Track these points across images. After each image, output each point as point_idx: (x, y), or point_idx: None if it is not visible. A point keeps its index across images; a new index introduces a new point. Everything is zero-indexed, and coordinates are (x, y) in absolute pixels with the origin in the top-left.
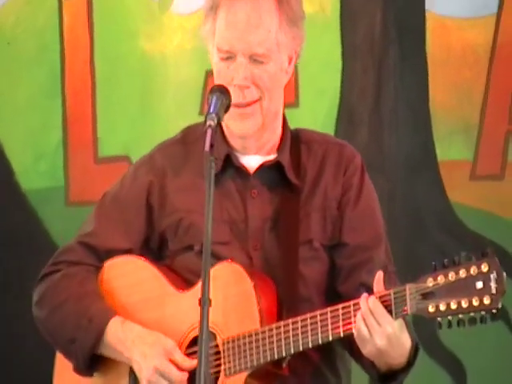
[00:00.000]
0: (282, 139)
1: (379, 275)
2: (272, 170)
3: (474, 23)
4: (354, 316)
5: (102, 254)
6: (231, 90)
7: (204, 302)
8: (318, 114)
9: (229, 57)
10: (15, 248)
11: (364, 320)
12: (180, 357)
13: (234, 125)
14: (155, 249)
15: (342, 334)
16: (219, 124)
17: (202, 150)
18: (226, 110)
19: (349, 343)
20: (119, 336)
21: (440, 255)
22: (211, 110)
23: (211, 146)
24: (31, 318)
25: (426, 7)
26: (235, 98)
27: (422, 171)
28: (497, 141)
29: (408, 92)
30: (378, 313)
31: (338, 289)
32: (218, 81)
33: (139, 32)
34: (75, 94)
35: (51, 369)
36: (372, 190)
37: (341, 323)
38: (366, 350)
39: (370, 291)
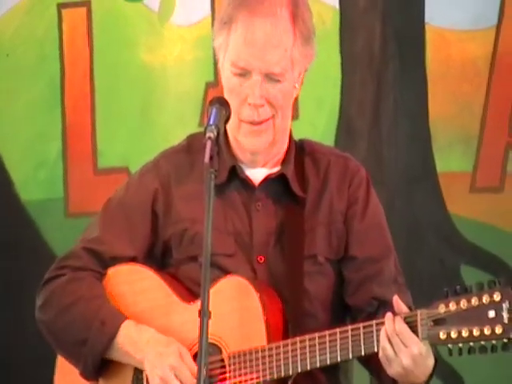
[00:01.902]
0: (287, 151)
1: (396, 299)
2: (277, 183)
3: (473, 35)
4: (377, 335)
5: (107, 261)
6: (244, 106)
7: (203, 314)
8: (317, 126)
9: (243, 73)
10: (15, 259)
11: (389, 340)
12: (191, 363)
13: (245, 141)
14: (159, 256)
15: (363, 353)
16: (225, 134)
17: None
18: (226, 121)
19: (366, 360)
20: (133, 337)
21: (439, 267)
22: (211, 122)
23: (211, 157)
24: (31, 327)
25: (426, 19)
26: (249, 115)
27: (422, 183)
28: (496, 153)
29: (407, 104)
30: (403, 333)
31: (347, 301)
32: (230, 96)
33: (139, 43)
34: (75, 105)
35: (51, 378)
36: (378, 202)
37: (362, 342)
38: (392, 370)
39: (383, 305)
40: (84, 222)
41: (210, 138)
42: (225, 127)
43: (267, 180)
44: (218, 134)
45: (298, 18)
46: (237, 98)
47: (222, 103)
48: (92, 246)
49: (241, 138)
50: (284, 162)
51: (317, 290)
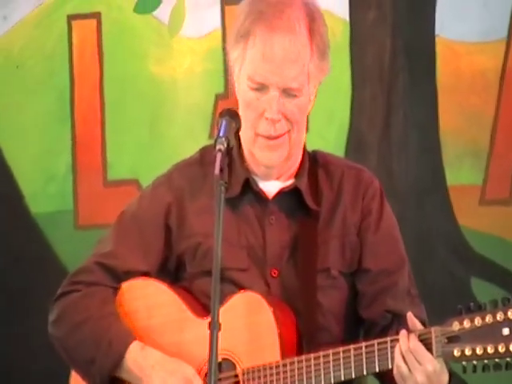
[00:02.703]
0: (301, 164)
1: (410, 315)
2: (290, 196)
3: (483, 48)
4: (391, 352)
5: (120, 276)
6: (261, 121)
7: (213, 327)
8: (327, 139)
9: (260, 88)
10: (24, 271)
11: (404, 358)
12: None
13: (261, 155)
14: (172, 270)
15: (377, 369)
16: (239, 147)
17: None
18: (236, 133)
19: (381, 376)
20: (139, 362)
21: (448, 279)
22: (221, 134)
23: (221, 170)
24: (41, 339)
25: (436, 32)
26: (266, 130)
27: (432, 196)
28: (506, 166)
29: (417, 117)
30: (417, 351)
31: (361, 314)
32: (246, 109)
33: (149, 55)
34: (84, 117)
35: None
36: (391, 214)
37: (376, 358)
38: None
39: (397, 318)
40: (93, 235)
41: (220, 150)
42: (238, 139)
43: (281, 193)
44: (229, 146)
45: (315, 33)
46: (254, 112)
47: (232, 115)
48: (105, 261)
49: (256, 151)
50: (298, 175)
51: (330, 304)
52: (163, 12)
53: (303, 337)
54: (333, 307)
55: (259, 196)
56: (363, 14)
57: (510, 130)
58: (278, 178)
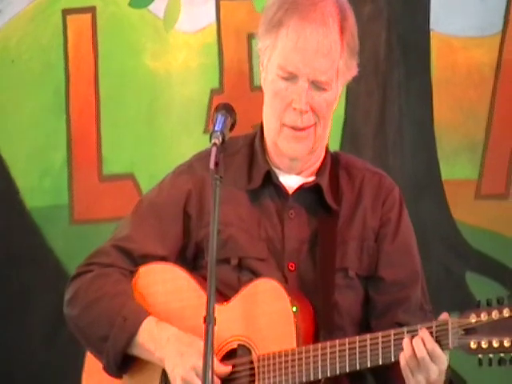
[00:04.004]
0: (322, 162)
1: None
2: (311, 193)
3: (478, 42)
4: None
5: (137, 259)
6: (288, 111)
7: (209, 321)
8: None
9: (290, 78)
10: (20, 266)
11: (417, 356)
12: (215, 362)
13: (286, 146)
14: (190, 258)
15: (393, 359)
16: (261, 139)
17: (241, 162)
18: (231, 128)
19: (380, 374)
20: (153, 334)
21: (444, 274)
22: (216, 128)
23: (216, 164)
24: (37, 333)
25: (431, 27)
26: (293, 120)
27: (427, 190)
28: (502, 160)
29: (413, 111)
30: (434, 353)
31: (371, 323)
32: (274, 99)
33: (144, 50)
34: (80, 111)
35: None
36: (409, 225)
37: (392, 349)
38: (414, 381)
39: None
40: (89, 229)
41: (215, 144)
42: (261, 131)
43: (301, 189)
44: (224, 140)
45: (346, 31)
46: (281, 101)
47: (228, 110)
48: (121, 244)
49: (281, 142)
50: (319, 172)
51: (345, 304)
52: (158, 6)
53: (320, 331)
54: (348, 307)
55: (279, 189)
56: (358, 9)
57: (506, 125)
58: (299, 173)
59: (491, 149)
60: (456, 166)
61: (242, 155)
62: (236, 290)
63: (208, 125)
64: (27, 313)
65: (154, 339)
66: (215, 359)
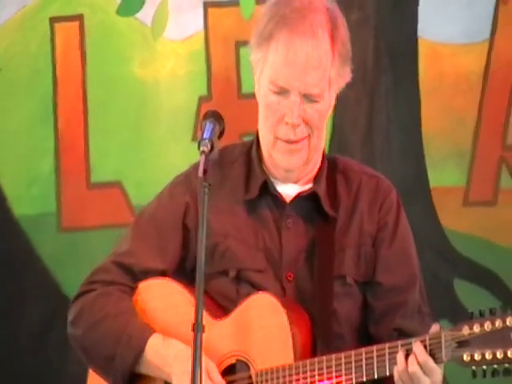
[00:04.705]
0: (320, 169)
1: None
2: (308, 201)
3: (466, 49)
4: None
5: (138, 274)
6: (281, 125)
7: (197, 329)
8: None
9: (281, 92)
10: (7, 273)
11: (410, 371)
12: (219, 379)
13: (281, 159)
14: (189, 270)
15: (387, 373)
16: (258, 148)
17: (238, 172)
18: (220, 136)
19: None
20: (160, 351)
21: (432, 280)
22: (205, 136)
23: (205, 171)
24: (24, 341)
25: (419, 34)
26: (286, 134)
27: (415, 197)
28: (489, 167)
29: (400, 119)
30: (426, 365)
31: (370, 329)
32: (267, 112)
33: (132, 57)
34: (67, 119)
35: None
36: (407, 228)
37: (387, 363)
38: None
39: (403, 336)
40: (77, 237)
41: (204, 152)
42: (258, 140)
43: (298, 197)
44: (212, 148)
45: (337, 39)
46: (274, 115)
47: (216, 117)
48: (122, 260)
49: (275, 154)
50: (316, 180)
51: (344, 311)
52: (146, 14)
53: (317, 341)
54: (347, 315)
55: (277, 199)
56: (346, 16)
57: (493, 132)
58: (296, 182)
59: (479, 156)
60: (444, 173)
61: (240, 164)
62: (235, 303)
63: (196, 132)
64: (15, 320)
65: (162, 356)
66: (218, 374)
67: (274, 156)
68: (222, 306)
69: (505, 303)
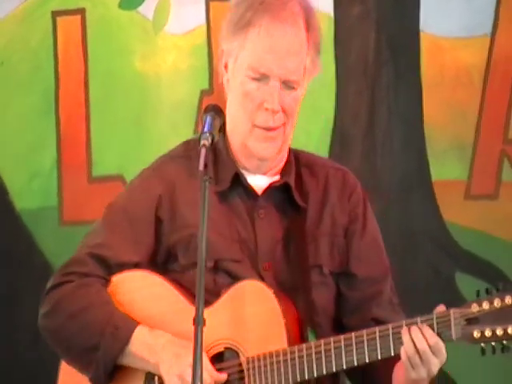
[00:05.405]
0: (287, 161)
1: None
2: (279, 192)
3: (468, 43)
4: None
5: (113, 267)
6: (260, 112)
7: (198, 322)
8: (311, 134)
9: (261, 78)
10: (9, 267)
11: (418, 350)
12: (208, 364)
13: (257, 146)
14: (160, 263)
15: (392, 353)
16: (225, 140)
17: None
18: (220, 129)
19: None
20: (148, 341)
21: (434, 274)
22: (205, 130)
23: (205, 165)
24: (26, 335)
25: (420, 27)
26: (265, 121)
27: (416, 191)
28: (491, 160)
29: (402, 112)
30: (436, 346)
31: (344, 321)
32: (244, 100)
33: (133, 51)
34: (69, 113)
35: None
36: (375, 220)
37: (392, 343)
38: (415, 374)
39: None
40: (78, 231)
41: (204, 145)
42: (224, 134)
43: (270, 189)
44: (213, 141)
45: (312, 28)
46: (252, 102)
47: (217, 111)
48: (97, 252)
49: (252, 143)
50: (285, 171)
51: (321, 301)
52: (148, 8)
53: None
54: (324, 304)
55: (248, 191)
56: (347, 10)
57: (495, 125)
58: (265, 173)
59: (480, 149)
60: (445, 167)
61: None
62: (212, 293)
63: (198, 126)
64: (15, 314)
65: (149, 347)
66: (212, 367)
67: (249, 145)
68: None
69: None
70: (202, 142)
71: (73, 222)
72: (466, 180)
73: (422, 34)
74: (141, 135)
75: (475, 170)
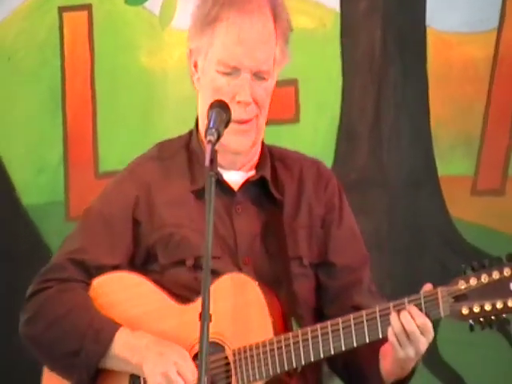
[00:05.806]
0: (261, 155)
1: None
2: (255, 186)
3: (474, 38)
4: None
5: (92, 270)
6: (232, 106)
7: (204, 318)
8: (318, 130)
9: (231, 72)
10: (15, 262)
11: (407, 331)
12: (192, 364)
13: (231, 140)
14: (139, 264)
15: (380, 336)
16: (197, 139)
17: (181, 164)
18: (226, 125)
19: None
20: (130, 342)
21: (440, 270)
22: (211, 125)
23: (211, 161)
24: None
25: (427, 22)
26: (237, 114)
27: (423, 186)
28: (498, 156)
29: (408, 107)
30: (424, 327)
31: (325, 310)
32: (216, 95)
33: (140, 47)
34: (76, 109)
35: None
36: (350, 210)
37: (379, 325)
38: (402, 354)
39: None
40: None
41: (210, 141)
42: (197, 131)
43: (246, 184)
44: (219, 137)
45: (279, 18)
46: (224, 96)
47: (223, 107)
48: (76, 256)
49: (225, 137)
50: (260, 165)
51: (302, 292)
52: (154, 3)
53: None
54: (305, 295)
55: (224, 187)
56: (354, 5)
57: (502, 120)
58: (239, 169)
59: (487, 145)
60: (452, 162)
61: (181, 156)
62: (193, 291)
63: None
64: (21, 309)
65: (132, 347)
66: (194, 366)
67: (222, 140)
68: (181, 296)
69: None
70: (208, 138)
71: (79, 218)
72: (473, 175)
73: (428, 29)
74: (147, 130)
75: (482, 165)
